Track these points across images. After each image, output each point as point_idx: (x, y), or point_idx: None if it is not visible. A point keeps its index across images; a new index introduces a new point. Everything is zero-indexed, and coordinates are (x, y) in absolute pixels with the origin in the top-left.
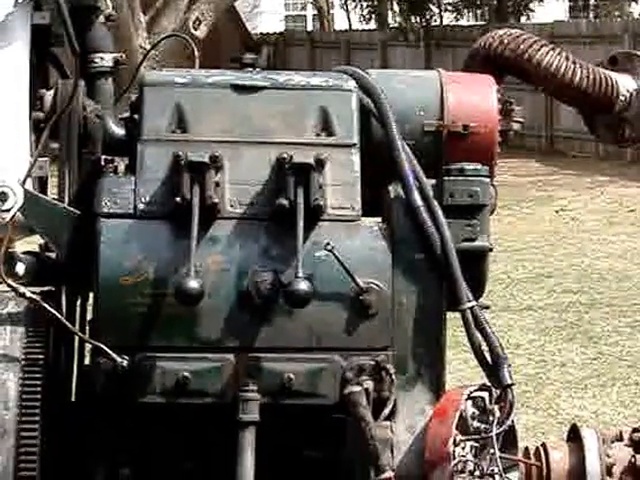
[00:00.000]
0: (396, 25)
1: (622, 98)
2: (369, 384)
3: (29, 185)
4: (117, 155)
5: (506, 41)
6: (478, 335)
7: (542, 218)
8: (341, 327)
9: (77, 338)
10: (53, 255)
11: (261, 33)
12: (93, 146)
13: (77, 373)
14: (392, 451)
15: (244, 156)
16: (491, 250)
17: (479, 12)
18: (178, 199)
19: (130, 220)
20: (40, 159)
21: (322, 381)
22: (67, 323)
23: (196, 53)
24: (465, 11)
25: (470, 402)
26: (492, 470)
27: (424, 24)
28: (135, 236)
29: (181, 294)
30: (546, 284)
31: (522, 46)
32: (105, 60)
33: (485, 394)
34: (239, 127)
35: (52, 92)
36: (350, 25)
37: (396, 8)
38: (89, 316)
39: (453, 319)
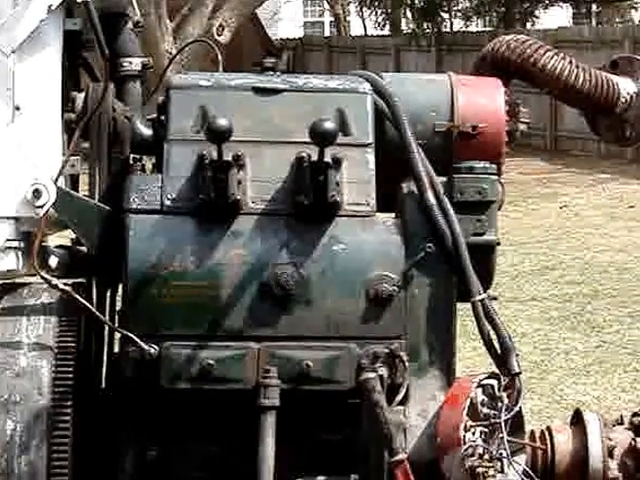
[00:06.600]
0: (409, 31)
1: (623, 100)
2: (383, 371)
3: (61, 182)
4: (145, 154)
5: (513, 46)
6: (488, 326)
7: (547, 213)
8: (357, 317)
9: (107, 327)
10: (84, 249)
11: (281, 38)
12: (122, 146)
13: (107, 361)
14: (405, 435)
15: (265, 155)
16: (499, 244)
17: (487, 19)
18: (202, 196)
19: (157, 216)
20: (72, 158)
21: (339, 368)
22: (97, 313)
23: (220, 57)
24: (474, 17)
25: (480, 389)
26: (500, 454)
27: (435, 30)
28: (162, 231)
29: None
30: (551, 276)
31: (528, 51)
32: (133, 64)
33: (494, 382)
34: (260, 127)
35: (83, 94)
36: (365, 31)
37: (409, 15)
38: (118, 306)
39: (462, 309)
